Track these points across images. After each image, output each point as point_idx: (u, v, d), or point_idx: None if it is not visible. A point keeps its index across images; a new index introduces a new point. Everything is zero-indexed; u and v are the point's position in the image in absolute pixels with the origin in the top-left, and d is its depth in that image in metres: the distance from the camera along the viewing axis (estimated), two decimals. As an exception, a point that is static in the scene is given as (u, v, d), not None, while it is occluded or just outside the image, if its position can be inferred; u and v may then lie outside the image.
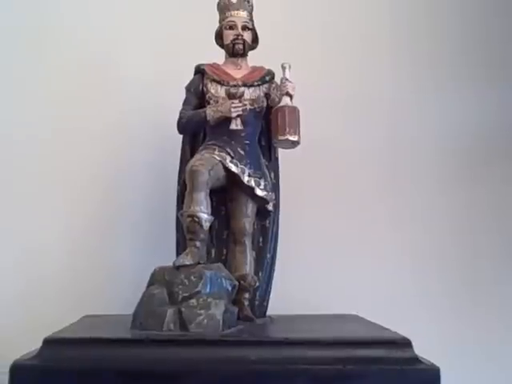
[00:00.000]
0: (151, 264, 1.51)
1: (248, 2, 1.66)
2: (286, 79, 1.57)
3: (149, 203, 1.96)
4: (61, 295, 1.91)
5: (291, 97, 1.57)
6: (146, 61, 2.01)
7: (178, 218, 1.62)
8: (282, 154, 1.72)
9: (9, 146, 1.98)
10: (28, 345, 1.28)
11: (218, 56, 1.70)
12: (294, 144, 1.57)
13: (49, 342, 1.25)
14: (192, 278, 1.39)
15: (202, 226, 1.46)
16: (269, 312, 1.67)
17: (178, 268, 1.42)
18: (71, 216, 1.97)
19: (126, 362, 1.23)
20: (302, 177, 1.92)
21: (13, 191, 1.96)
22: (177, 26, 2.00)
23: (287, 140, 1.54)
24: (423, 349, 1.30)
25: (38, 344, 1.26)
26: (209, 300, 1.37)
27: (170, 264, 1.46)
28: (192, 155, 1.65)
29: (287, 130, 1.53)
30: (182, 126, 1.63)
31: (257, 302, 1.64)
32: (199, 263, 1.45)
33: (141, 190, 1.98)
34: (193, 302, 1.36)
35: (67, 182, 1.98)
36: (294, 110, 1.55)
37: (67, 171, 1.98)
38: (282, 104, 1.56)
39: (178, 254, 1.58)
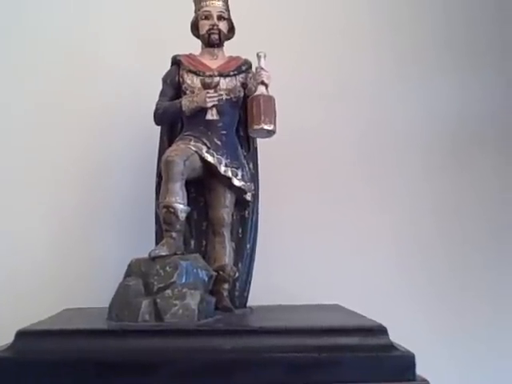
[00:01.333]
0: (132, 256, 1.51)
1: None
2: (262, 68, 1.57)
3: (129, 195, 1.94)
4: (42, 288, 1.89)
5: (266, 86, 1.56)
6: (124, 51, 1.99)
7: (156, 209, 1.62)
8: (261, 143, 1.71)
9: None
10: (8, 338, 1.28)
11: (196, 46, 1.70)
12: (270, 133, 1.56)
13: (22, 334, 1.25)
14: (167, 268, 1.39)
15: (177, 216, 1.46)
16: (250, 303, 1.67)
17: (153, 259, 1.42)
18: (52, 209, 1.96)
19: (101, 352, 1.23)
20: (281, 166, 1.90)
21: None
22: (156, 16, 1.99)
23: (262, 129, 1.54)
24: (408, 337, 1.29)
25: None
26: (184, 290, 1.37)
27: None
28: (170, 145, 1.63)
29: (262, 118, 1.53)
30: (159, 117, 1.63)
31: (237, 293, 1.65)
32: (175, 254, 1.45)
33: (121, 182, 1.96)
34: (168, 292, 1.36)
35: (48, 176, 1.96)
36: (270, 99, 1.55)
37: (48, 164, 1.97)
38: (257, 93, 1.56)
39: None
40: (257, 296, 1.69)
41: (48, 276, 1.92)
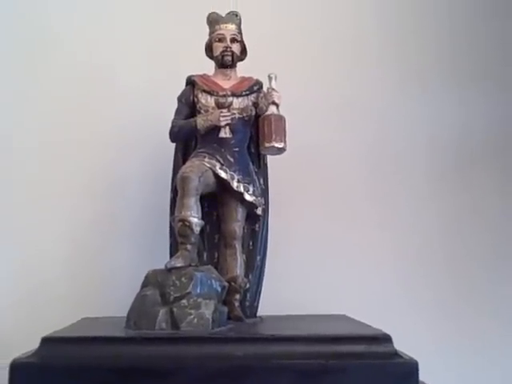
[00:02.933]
0: (147, 268, 1.57)
1: (236, 15, 1.73)
2: (273, 89, 1.64)
3: (143, 210, 2.02)
4: (60, 299, 1.97)
5: (277, 106, 1.63)
6: (140, 71, 2.08)
7: (171, 223, 1.68)
8: (271, 160, 1.79)
9: (9, 154, 2.04)
10: (30, 345, 1.34)
11: (209, 67, 1.77)
12: (280, 150, 1.64)
13: (46, 341, 1.32)
14: (183, 279, 1.45)
15: (192, 229, 1.53)
16: (259, 313, 1.73)
17: (169, 270, 1.48)
18: (69, 224, 2.03)
19: (120, 359, 1.28)
20: (290, 182, 1.97)
21: (13, 200, 2.02)
22: (169, 38, 2.07)
23: (273, 147, 1.62)
24: (410, 345, 1.35)
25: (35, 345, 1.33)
26: (199, 300, 1.43)
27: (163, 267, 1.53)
28: (184, 162, 1.71)
29: (273, 137, 1.60)
30: (174, 135, 1.70)
31: (247, 303, 1.71)
32: (190, 265, 1.51)
33: (135, 197, 2.04)
34: (184, 302, 1.42)
35: (65, 192, 2.04)
36: (280, 119, 1.62)
37: (64, 180, 2.05)
38: (268, 113, 1.63)
39: (171, 257, 1.64)
40: (266, 306, 1.74)
41: (66, 287, 1.99)
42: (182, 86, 1.78)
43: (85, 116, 2.07)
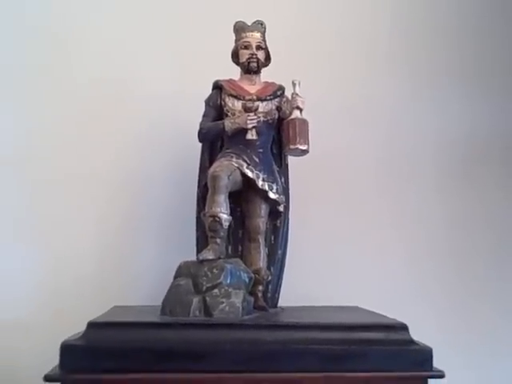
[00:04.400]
0: (172, 261, 1.68)
1: (261, 24, 1.83)
2: (297, 94, 1.74)
3: (171, 206, 2.11)
4: (93, 291, 2.06)
5: (301, 110, 1.73)
6: (166, 75, 2.17)
7: (197, 218, 1.80)
8: (291, 160, 1.89)
9: (40, 159, 2.12)
10: (69, 331, 1.47)
11: (232, 71, 1.86)
12: (304, 152, 1.74)
13: (91, 325, 1.43)
14: (214, 270, 1.56)
15: (222, 225, 1.64)
16: (279, 303, 1.84)
17: (201, 262, 1.59)
18: (103, 220, 2.12)
19: (158, 342, 1.40)
20: (309, 181, 2.07)
21: (49, 202, 2.12)
22: (195, 42, 2.15)
23: (297, 149, 1.72)
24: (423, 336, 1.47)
25: (76, 331, 1.45)
26: (229, 290, 1.54)
27: (192, 259, 1.65)
28: (210, 161, 1.82)
29: (298, 139, 1.70)
30: (203, 136, 1.80)
31: (269, 294, 1.81)
32: (220, 258, 1.62)
33: (164, 194, 2.12)
34: (215, 291, 1.53)
35: (95, 189, 2.13)
36: (304, 122, 1.72)
37: (94, 178, 2.13)
38: (292, 117, 1.73)
39: (198, 250, 1.76)
40: (284, 297, 1.85)
41: (99, 281, 2.09)
42: (207, 88, 1.87)
43: (113, 118, 2.16)
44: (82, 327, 1.44)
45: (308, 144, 1.72)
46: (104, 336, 1.40)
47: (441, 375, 1.41)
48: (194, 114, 1.84)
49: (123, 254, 2.12)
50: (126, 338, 1.40)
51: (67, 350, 1.37)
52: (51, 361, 1.40)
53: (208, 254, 1.60)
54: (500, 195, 2.24)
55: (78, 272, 2.08)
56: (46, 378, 1.34)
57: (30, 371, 1.82)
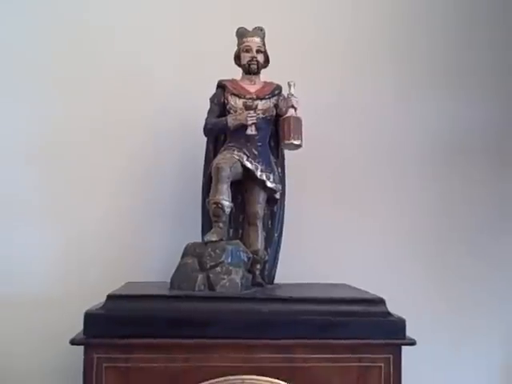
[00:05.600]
0: (179, 244, 1.87)
1: (261, 30, 2.00)
2: (292, 95, 1.91)
3: (178, 192, 2.27)
4: (105, 268, 2.24)
5: (295, 109, 1.90)
6: (175, 74, 2.33)
7: (203, 204, 1.97)
8: (287, 152, 2.05)
9: (55, 148, 2.28)
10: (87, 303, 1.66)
11: (234, 71, 2.04)
12: (297, 147, 1.90)
13: (110, 297, 1.62)
14: (217, 251, 1.74)
15: (224, 211, 1.81)
16: (275, 281, 2.02)
17: (206, 243, 1.78)
18: (114, 203, 2.29)
19: (168, 312, 1.58)
20: (303, 171, 2.21)
21: (65, 188, 2.29)
22: (202, 45, 2.31)
23: (292, 144, 1.89)
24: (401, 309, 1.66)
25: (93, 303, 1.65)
26: (230, 268, 1.72)
27: (197, 241, 1.85)
28: (214, 152, 2.00)
29: (292, 135, 1.87)
30: (208, 131, 1.98)
31: (266, 272, 1.98)
32: (222, 240, 1.80)
33: (172, 181, 2.29)
34: (218, 269, 1.71)
35: (107, 177, 2.30)
36: (298, 120, 1.89)
37: (106, 166, 2.29)
38: (288, 115, 1.89)
39: (203, 233, 1.95)
40: (281, 275, 2.03)
41: (110, 260, 2.27)
42: (211, 83, 2.03)
43: (123, 108, 2.31)
44: (96, 300, 1.65)
45: (301, 139, 1.89)
46: (121, 306, 1.59)
47: (412, 343, 1.60)
48: (200, 110, 2.01)
49: (135, 236, 2.28)
50: (140, 308, 1.59)
51: (90, 318, 1.56)
52: (71, 329, 1.62)
53: (212, 237, 1.79)
54: (480, 185, 2.40)
55: (92, 251, 2.27)
56: (72, 342, 1.55)
57: (50, 341, 2.11)
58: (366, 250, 2.32)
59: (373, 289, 1.81)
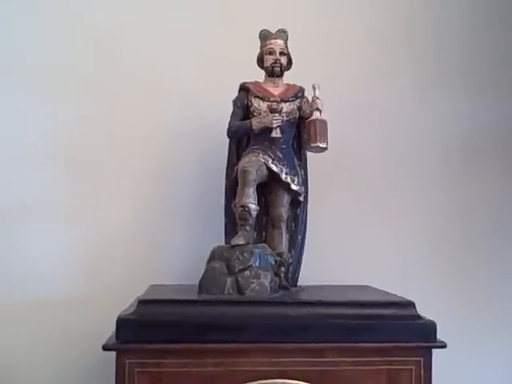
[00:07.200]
0: (200, 245, 1.93)
1: (284, 32, 2.00)
2: (317, 97, 1.91)
3: (201, 194, 2.27)
4: (127, 271, 2.25)
5: (320, 111, 1.90)
6: (199, 76, 2.33)
7: (225, 206, 1.99)
8: (309, 155, 2.06)
9: (77, 148, 2.29)
10: (116, 307, 1.67)
11: (252, 72, 2.04)
12: (323, 149, 1.90)
13: (142, 302, 1.62)
14: (245, 254, 1.74)
15: (251, 214, 1.82)
16: (299, 283, 2.03)
17: (233, 247, 1.78)
18: (136, 205, 2.30)
19: (198, 317, 1.58)
20: (325, 174, 2.24)
21: (87, 190, 2.29)
22: (222, 44, 2.32)
23: (318, 146, 1.88)
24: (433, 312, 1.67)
25: (120, 307, 1.66)
26: (259, 272, 1.73)
27: (219, 244, 1.86)
28: (237, 155, 2.01)
29: (318, 138, 1.87)
30: (232, 134, 1.98)
31: (290, 275, 1.99)
32: (249, 243, 1.80)
33: (195, 185, 2.29)
34: (247, 273, 1.72)
35: (131, 178, 2.30)
36: (323, 122, 1.89)
37: (128, 168, 2.29)
38: (313, 117, 1.89)
39: (226, 236, 1.97)
40: (304, 277, 2.05)
41: (133, 263, 2.28)
42: (233, 86, 2.03)
43: (144, 113, 2.31)
44: (122, 303, 1.69)
45: (327, 142, 1.89)
46: (153, 311, 1.59)
47: (443, 346, 1.60)
48: (223, 113, 2.01)
49: (157, 238, 2.29)
50: (172, 312, 1.59)
51: (122, 323, 1.56)
52: (97, 333, 1.65)
53: (239, 240, 1.79)
54: (495, 185, 2.42)
55: (114, 253, 2.27)
56: (105, 348, 1.55)
57: (75, 346, 2.12)
58: (389, 252, 2.34)
59: (395, 290, 1.85)
